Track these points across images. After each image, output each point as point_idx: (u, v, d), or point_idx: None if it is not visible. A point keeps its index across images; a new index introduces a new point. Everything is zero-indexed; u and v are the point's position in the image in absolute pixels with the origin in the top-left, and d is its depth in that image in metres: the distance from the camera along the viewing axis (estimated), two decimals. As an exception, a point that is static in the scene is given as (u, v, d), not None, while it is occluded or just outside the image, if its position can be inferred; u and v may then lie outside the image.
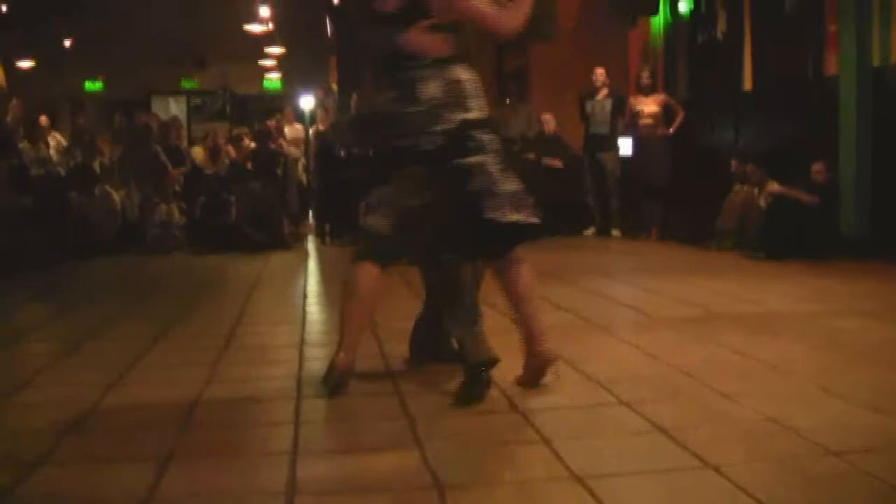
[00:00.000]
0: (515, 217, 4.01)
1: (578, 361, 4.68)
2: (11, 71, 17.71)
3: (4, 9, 17.71)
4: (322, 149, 13.08)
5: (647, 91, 12.00)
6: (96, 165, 12.63)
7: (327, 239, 12.42)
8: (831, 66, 9.56)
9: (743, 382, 4.22)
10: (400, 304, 6.70)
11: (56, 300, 7.75)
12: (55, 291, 8.33)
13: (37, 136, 12.76)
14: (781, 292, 7.10)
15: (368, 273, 4.15)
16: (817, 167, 9.20)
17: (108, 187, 11.71)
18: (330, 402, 4.13)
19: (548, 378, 4.28)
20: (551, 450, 3.34)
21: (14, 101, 13.10)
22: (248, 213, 11.48)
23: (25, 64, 18.36)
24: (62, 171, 12.67)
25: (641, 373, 4.51)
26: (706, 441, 3.39)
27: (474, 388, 4.00)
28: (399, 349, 4.99)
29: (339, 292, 6.10)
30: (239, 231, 11.31)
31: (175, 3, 19.14)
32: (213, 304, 7.30)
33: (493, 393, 4.11)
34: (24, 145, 12.06)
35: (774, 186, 9.59)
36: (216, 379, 4.57)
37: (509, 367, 4.25)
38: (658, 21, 13.68)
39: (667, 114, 11.86)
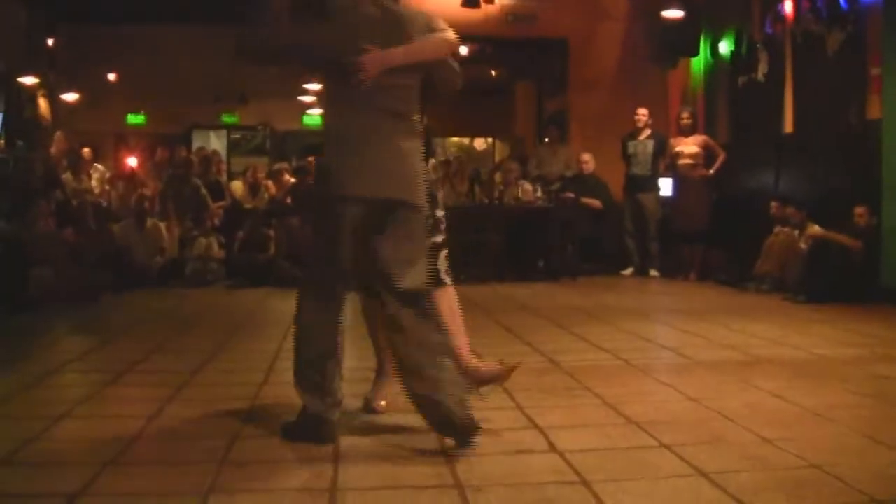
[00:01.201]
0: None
1: (618, 403, 4.65)
2: (56, 104, 17.99)
3: (51, 43, 17.97)
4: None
5: (687, 132, 12.00)
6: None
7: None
8: (874, 109, 9.50)
9: (785, 428, 4.17)
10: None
11: (96, 332, 7.78)
12: (96, 323, 8.38)
13: (79, 169, 12.93)
14: (823, 336, 7.03)
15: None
16: (860, 211, 9.14)
17: (158, 222, 11.79)
18: (368, 439, 4.12)
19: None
20: (591, 492, 3.32)
21: (58, 134, 13.29)
22: (287, 248, 11.52)
23: (70, 97, 18.59)
24: (104, 203, 12.81)
25: (682, 416, 4.47)
26: (748, 487, 3.35)
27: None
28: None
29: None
30: (277, 266, 11.34)
31: (217, 40, 19.35)
32: (251, 338, 7.31)
33: (532, 433, 4.09)
34: (66, 177, 12.20)
35: (815, 230, 9.53)
36: (255, 414, 4.58)
37: (550, 410, 4.23)
38: (699, 63, 13.72)
39: (707, 155, 11.85)
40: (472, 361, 4.68)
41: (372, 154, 4.03)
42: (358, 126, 4.06)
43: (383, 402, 4.62)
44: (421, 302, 4.05)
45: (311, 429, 4.04)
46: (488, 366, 4.77)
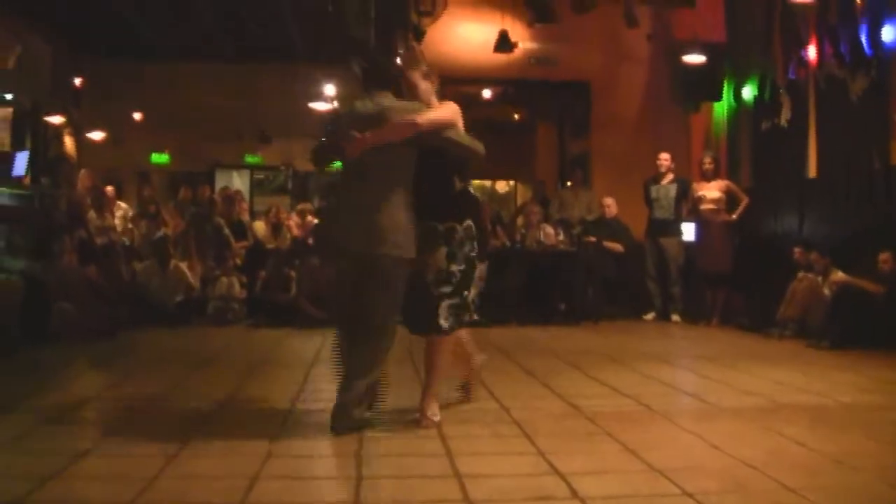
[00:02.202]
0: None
1: (640, 449, 4.61)
2: (82, 142, 18.16)
3: (76, 81, 18.16)
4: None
5: (709, 177, 11.98)
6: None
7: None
8: (898, 155, 9.49)
9: (808, 476, 4.13)
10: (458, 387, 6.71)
11: (117, 368, 7.80)
12: (116, 360, 8.39)
13: (103, 206, 13.01)
14: (846, 383, 6.96)
15: None
16: (884, 257, 9.08)
17: (181, 264, 11.82)
18: (389, 482, 4.12)
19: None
20: (613, 540, 3.29)
21: (83, 172, 13.40)
22: (308, 289, 11.53)
23: (97, 136, 18.76)
24: (126, 241, 12.87)
25: (705, 463, 4.43)
26: (773, 537, 3.31)
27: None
28: (458, 430, 4.99)
29: (395, 371, 6.15)
30: (298, 307, 11.35)
31: (240, 81, 19.51)
32: (272, 378, 7.30)
33: (553, 479, 4.07)
34: (90, 215, 12.27)
35: (839, 276, 9.47)
36: (275, 454, 4.56)
37: (572, 455, 4.20)
38: (721, 107, 13.73)
39: (730, 200, 11.82)
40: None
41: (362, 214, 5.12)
42: (355, 192, 5.21)
43: (436, 418, 5.27)
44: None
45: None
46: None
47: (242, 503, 3.71)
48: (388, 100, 5.25)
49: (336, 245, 5.29)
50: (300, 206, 14.87)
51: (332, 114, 5.48)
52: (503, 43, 13.66)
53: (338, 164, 5.71)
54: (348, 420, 5.03)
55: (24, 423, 5.24)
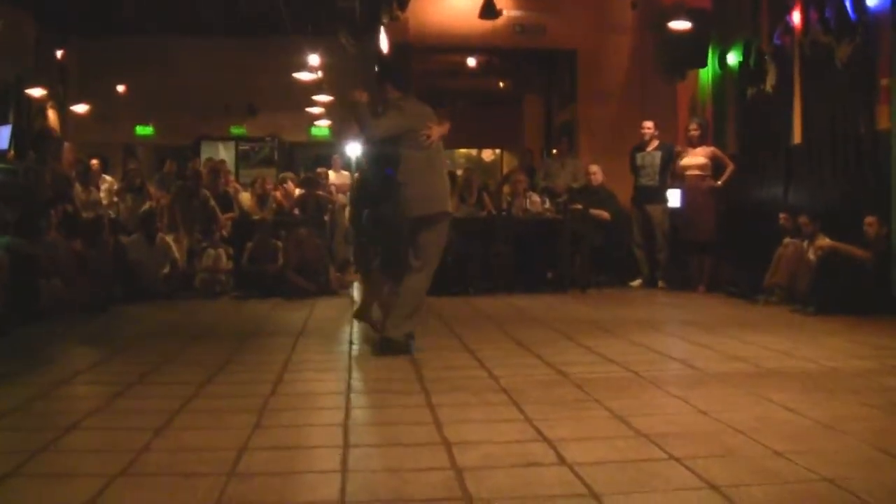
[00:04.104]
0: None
1: (628, 416, 4.63)
2: (66, 116, 18.05)
3: (60, 55, 18.04)
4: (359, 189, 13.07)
5: (695, 143, 11.98)
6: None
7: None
8: (883, 120, 9.48)
9: (796, 441, 4.15)
10: (448, 355, 6.71)
11: (105, 343, 7.79)
12: (105, 334, 8.39)
13: (88, 180, 12.94)
14: (833, 348, 7.00)
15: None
16: (869, 221, 9.10)
17: (167, 237, 11.79)
18: (377, 450, 4.13)
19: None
20: (602, 505, 3.30)
21: (66, 146, 13.31)
22: (295, 259, 11.52)
23: (81, 109, 18.66)
24: (112, 214, 12.82)
25: (692, 428, 4.44)
26: (759, 501, 3.33)
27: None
28: (446, 399, 5.01)
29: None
30: (285, 277, 11.34)
31: (226, 52, 19.42)
32: (259, 350, 7.31)
33: (541, 446, 4.08)
34: (76, 189, 12.21)
35: (825, 241, 9.49)
36: (263, 425, 4.57)
37: (559, 422, 4.21)
38: (707, 74, 13.71)
39: (716, 167, 11.83)
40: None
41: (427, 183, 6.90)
42: (422, 168, 6.87)
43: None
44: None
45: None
46: None
47: (230, 474, 3.71)
48: (414, 101, 7.12)
49: (408, 208, 6.82)
50: (282, 175, 14.90)
51: (361, 102, 6.83)
52: (488, 10, 13.60)
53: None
54: (395, 346, 6.70)
55: (14, 398, 5.23)
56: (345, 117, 7.04)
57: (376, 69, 8.06)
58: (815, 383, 5.59)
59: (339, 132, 6.91)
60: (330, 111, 21.14)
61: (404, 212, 6.84)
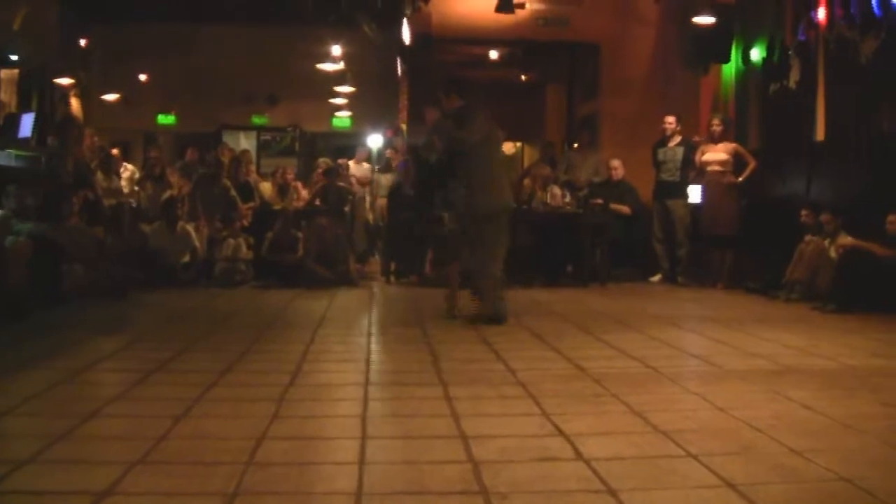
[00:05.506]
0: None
1: (646, 411, 4.63)
2: (90, 104, 18.12)
3: (83, 43, 18.11)
4: (393, 187, 13.11)
5: (717, 139, 11.92)
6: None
7: (391, 278, 12.39)
8: (908, 116, 9.43)
9: (814, 439, 4.14)
10: (466, 347, 6.73)
11: (127, 330, 7.82)
12: (126, 322, 8.42)
13: (109, 168, 12.99)
14: (853, 346, 6.97)
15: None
16: (892, 219, 9.05)
17: (187, 226, 11.82)
18: (394, 442, 4.14)
19: None
20: (617, 500, 3.31)
21: (86, 132, 13.36)
22: (316, 249, 11.54)
23: (103, 97, 18.74)
24: (133, 203, 12.87)
25: (710, 425, 4.44)
26: (777, 499, 3.33)
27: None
28: (464, 392, 5.02)
29: (403, 332, 6.21)
30: (305, 267, 11.37)
31: (248, 41, 19.45)
32: (278, 339, 7.33)
33: (558, 440, 4.09)
34: (97, 176, 12.26)
35: (847, 239, 9.44)
36: (281, 415, 4.59)
37: (577, 417, 4.21)
38: (730, 69, 13.63)
39: (737, 162, 11.77)
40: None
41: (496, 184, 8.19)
42: (490, 170, 8.17)
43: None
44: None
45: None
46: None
47: (248, 463, 3.74)
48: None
49: (483, 207, 7.98)
50: (322, 160, 15.03)
51: (442, 119, 8.23)
52: (505, 3, 13.55)
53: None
54: (501, 317, 8.05)
55: (36, 384, 5.27)
56: (430, 134, 8.66)
57: (446, 80, 8.59)
58: (834, 381, 5.58)
59: (426, 147, 8.02)
60: (352, 102, 21.17)
61: (478, 209, 7.98)
